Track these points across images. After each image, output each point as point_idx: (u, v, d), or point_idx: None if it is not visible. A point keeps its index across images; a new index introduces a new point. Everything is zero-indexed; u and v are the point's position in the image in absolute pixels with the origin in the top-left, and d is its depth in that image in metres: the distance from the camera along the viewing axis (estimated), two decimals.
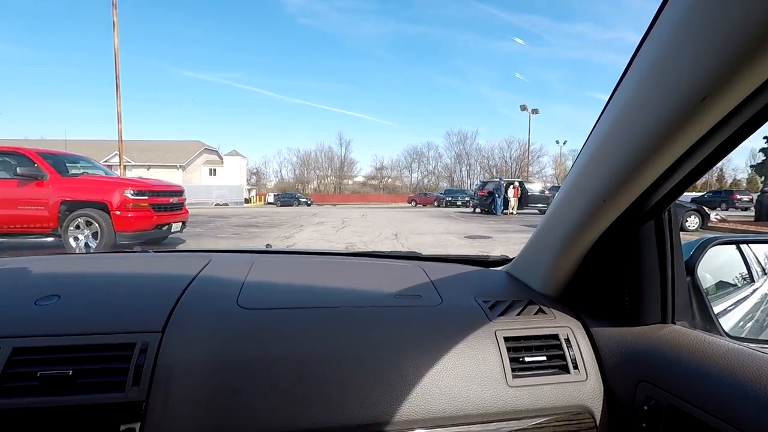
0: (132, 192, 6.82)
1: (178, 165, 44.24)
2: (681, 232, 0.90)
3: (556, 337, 0.89)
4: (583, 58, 78.44)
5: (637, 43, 0.62)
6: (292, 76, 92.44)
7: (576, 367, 0.86)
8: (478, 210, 21.47)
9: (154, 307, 0.84)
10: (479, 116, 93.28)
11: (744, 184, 52.98)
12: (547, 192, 21.13)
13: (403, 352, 0.81)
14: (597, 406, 0.84)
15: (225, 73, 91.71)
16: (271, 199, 43.44)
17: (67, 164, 7.26)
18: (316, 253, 1.46)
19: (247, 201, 46.92)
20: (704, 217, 11.78)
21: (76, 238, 6.64)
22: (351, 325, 0.85)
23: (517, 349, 0.86)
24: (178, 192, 7.82)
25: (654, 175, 0.70)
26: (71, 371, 0.69)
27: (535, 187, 21.72)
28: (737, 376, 0.65)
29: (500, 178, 21.56)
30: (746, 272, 1.20)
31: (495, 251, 7.25)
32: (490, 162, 65.45)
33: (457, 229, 12.13)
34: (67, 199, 6.60)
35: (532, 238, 1.05)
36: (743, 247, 1.20)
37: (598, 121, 0.74)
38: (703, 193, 28.11)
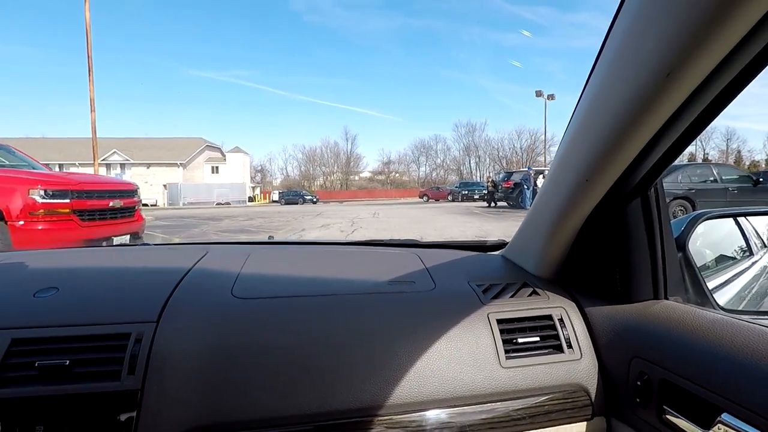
0: (43, 193, 4.75)
1: (178, 162, 42.22)
2: None
3: (549, 317, 0.91)
4: (586, 47, 75.53)
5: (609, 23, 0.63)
6: (298, 73, 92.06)
7: (570, 346, 0.88)
8: (493, 204, 20.28)
9: (149, 298, 0.86)
10: (486, 109, 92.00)
11: (763, 165, 50.17)
12: None
13: (395, 337, 0.82)
14: (592, 384, 0.86)
15: (230, 71, 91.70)
16: (276, 197, 42.12)
17: None
18: (313, 243, 1.45)
19: (251, 199, 44.61)
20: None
21: None
22: (344, 312, 0.86)
23: (511, 330, 0.88)
24: (125, 192, 5.79)
25: (632, 152, 0.71)
26: (68, 361, 0.72)
27: None
28: (727, 347, 0.66)
29: (529, 168, 19.16)
30: (745, 245, 1.20)
31: None
32: (500, 153, 62.67)
33: (493, 229, 10.80)
34: None
35: (525, 221, 1.06)
36: (741, 220, 1.20)
37: (578, 102, 0.75)
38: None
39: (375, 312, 0.87)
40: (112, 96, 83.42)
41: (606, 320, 0.89)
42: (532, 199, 16.28)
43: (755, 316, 0.86)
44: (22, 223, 4.58)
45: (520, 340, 0.87)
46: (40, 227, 4.64)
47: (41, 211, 4.66)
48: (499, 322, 0.88)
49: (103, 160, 45.18)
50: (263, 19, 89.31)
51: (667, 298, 0.88)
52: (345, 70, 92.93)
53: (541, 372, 0.85)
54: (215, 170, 47.05)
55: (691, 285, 0.96)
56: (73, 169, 44.37)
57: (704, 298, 0.96)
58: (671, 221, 0.92)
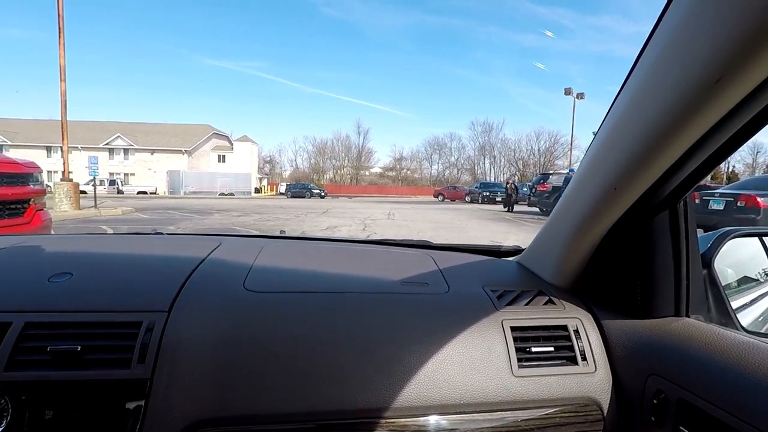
0: None
1: (183, 150, 39.95)
2: None
3: (564, 328, 0.89)
4: (606, 52, 72.65)
5: (651, 28, 0.62)
6: (313, 65, 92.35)
7: (584, 358, 0.87)
8: (509, 209, 18.81)
9: (162, 287, 0.86)
10: (502, 110, 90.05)
11: None
12: None
13: (407, 338, 0.82)
14: (605, 399, 0.85)
15: (245, 61, 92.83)
16: (283, 189, 40.37)
17: None
18: (326, 239, 1.45)
19: (258, 191, 42.21)
20: None
21: None
22: (356, 310, 0.86)
23: (524, 339, 0.87)
24: (12, 177, 3.76)
25: (667, 162, 0.69)
26: (79, 347, 0.72)
27: None
28: (751, 370, 0.64)
29: (571, 169, 16.32)
30: None
31: None
32: (517, 154, 59.74)
33: None
34: None
35: (544, 227, 1.05)
36: (767, 240, 1.16)
37: (611, 107, 0.73)
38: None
39: (387, 312, 0.87)
40: (124, 82, 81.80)
41: (623, 334, 0.88)
42: None
43: None
44: None
45: (534, 350, 0.85)
46: None
47: None
48: (513, 329, 0.87)
49: (106, 144, 43.03)
50: (281, 8, 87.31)
51: (688, 316, 0.86)
52: (359, 64, 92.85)
53: (554, 383, 0.83)
54: (222, 159, 45.18)
55: (714, 304, 0.93)
56: (74, 153, 42.19)
57: (728, 318, 0.93)
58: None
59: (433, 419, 0.78)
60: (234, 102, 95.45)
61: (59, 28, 11.60)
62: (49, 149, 40.77)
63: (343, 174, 64.55)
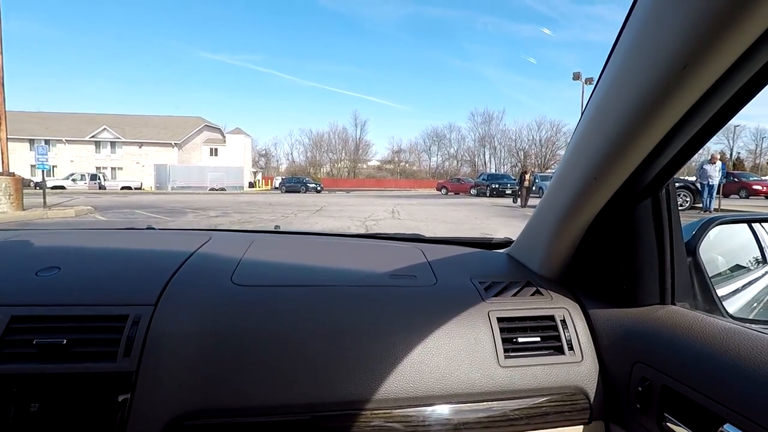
0: None
1: (173, 143, 37.39)
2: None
3: (551, 318, 0.91)
4: (602, 42, 70.28)
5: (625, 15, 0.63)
6: (309, 58, 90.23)
7: (571, 348, 0.88)
8: (521, 203, 16.82)
9: (149, 281, 0.88)
10: (499, 101, 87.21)
11: None
12: None
13: (393, 331, 0.83)
14: (591, 387, 0.86)
15: (241, 55, 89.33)
16: (278, 183, 36.90)
17: None
18: (317, 234, 1.46)
19: (252, 185, 39.78)
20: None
21: None
22: (342, 303, 0.88)
23: (511, 329, 0.88)
24: None
25: (645, 150, 0.70)
26: (65, 340, 0.73)
27: None
28: (733, 356, 0.65)
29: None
30: (759, 253, 1.16)
31: None
32: (518, 144, 57.48)
33: None
34: None
35: (531, 219, 1.07)
36: (756, 226, 1.16)
37: (590, 98, 0.75)
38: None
39: (374, 304, 0.88)
40: (117, 75, 79.08)
41: (609, 323, 0.89)
42: (710, 198, 10.33)
43: (764, 326, 0.85)
44: None
45: (521, 340, 0.87)
46: None
47: None
48: (500, 320, 0.88)
49: (92, 137, 40.41)
50: (277, 1, 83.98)
51: (674, 304, 0.87)
52: (356, 57, 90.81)
53: (541, 373, 0.84)
54: (214, 152, 43.10)
55: (700, 291, 0.95)
56: (59, 146, 39.50)
57: (713, 305, 0.94)
58: (682, 225, 0.92)
59: (421, 410, 0.79)
60: (228, 95, 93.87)
61: None
62: (32, 142, 38.43)
63: (341, 167, 63.72)
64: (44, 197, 12.05)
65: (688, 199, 13.12)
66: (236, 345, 0.77)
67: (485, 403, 0.81)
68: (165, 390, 0.73)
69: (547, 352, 0.87)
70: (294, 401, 0.75)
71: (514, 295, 0.94)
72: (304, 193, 32.28)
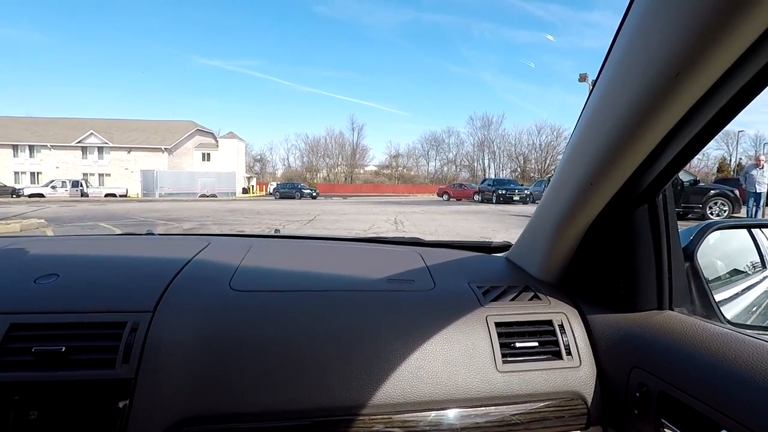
0: None
1: (163, 147, 35.37)
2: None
3: (549, 323, 0.91)
4: (598, 48, 69.91)
5: (619, 22, 0.65)
6: (306, 64, 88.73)
7: (569, 353, 0.88)
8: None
9: (147, 287, 0.88)
10: (496, 106, 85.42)
11: None
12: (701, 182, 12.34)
13: (391, 335, 0.84)
14: (589, 392, 0.86)
15: (238, 60, 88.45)
16: (272, 189, 35.17)
17: None
18: (316, 238, 1.46)
19: (246, 191, 37.87)
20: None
21: None
22: (340, 308, 0.88)
23: (509, 334, 0.88)
24: None
25: (640, 156, 0.71)
26: (64, 347, 0.74)
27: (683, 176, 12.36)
28: (730, 362, 0.66)
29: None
30: (758, 259, 1.16)
31: None
32: (518, 149, 55.98)
33: None
34: None
35: (529, 223, 1.07)
36: (756, 232, 1.16)
37: (586, 104, 0.76)
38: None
39: (371, 310, 0.88)
40: (113, 84, 77.53)
41: (607, 328, 0.89)
42: (756, 208, 8.32)
43: (762, 332, 0.85)
44: None
45: (518, 345, 0.87)
46: None
47: None
48: (498, 325, 0.88)
49: (78, 142, 38.21)
50: (273, 7, 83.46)
51: (672, 309, 0.88)
52: (353, 63, 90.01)
53: (539, 378, 0.85)
54: (206, 157, 41.55)
55: (697, 296, 0.95)
56: (44, 152, 37.51)
57: (711, 310, 0.94)
58: (680, 230, 0.93)
59: (417, 415, 0.79)
60: (224, 101, 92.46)
61: None
62: (15, 148, 36.48)
63: (337, 172, 63.16)
64: None
65: (726, 209, 11.47)
66: (234, 351, 0.78)
67: (484, 408, 0.81)
68: (164, 396, 0.73)
69: (545, 357, 0.87)
70: (293, 407, 0.75)
71: (513, 299, 0.94)
72: (299, 199, 31.12)
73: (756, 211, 10.46)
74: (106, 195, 32.84)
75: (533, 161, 58.43)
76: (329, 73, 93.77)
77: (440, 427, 0.78)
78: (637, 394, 0.76)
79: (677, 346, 0.74)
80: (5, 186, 29.57)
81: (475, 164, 63.49)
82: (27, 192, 28.94)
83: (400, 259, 1.12)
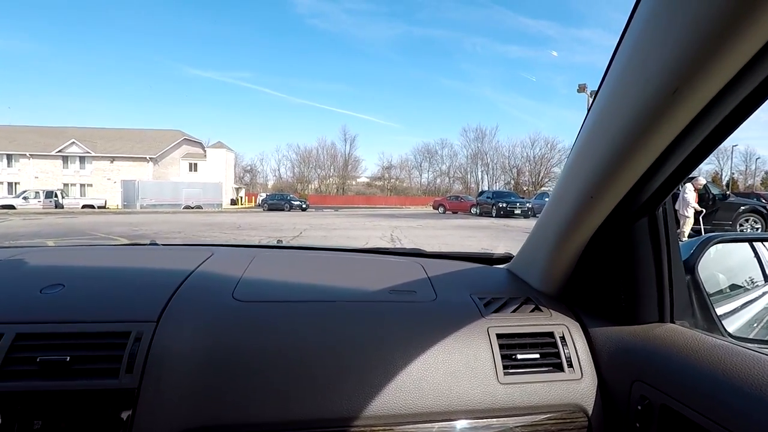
0: None
1: (148, 157, 33.58)
2: None
3: (551, 335, 0.92)
4: (588, 63, 70.90)
5: (618, 38, 0.68)
6: (298, 76, 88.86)
7: (570, 365, 0.89)
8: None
9: (151, 298, 0.89)
10: (489, 119, 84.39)
11: None
12: (732, 196, 12.15)
13: (393, 346, 0.85)
14: (591, 405, 0.87)
15: (231, 72, 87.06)
16: (261, 201, 33.64)
17: None
18: (319, 248, 1.47)
19: (234, 202, 36.08)
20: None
21: None
22: (342, 319, 0.89)
23: (511, 346, 0.89)
24: None
25: (639, 170, 0.73)
26: (68, 357, 0.75)
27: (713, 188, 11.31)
28: (731, 375, 0.67)
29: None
30: (760, 272, 1.15)
31: None
32: (511, 162, 55.05)
33: None
34: None
35: (530, 235, 1.08)
36: (758, 245, 1.15)
37: (586, 118, 0.78)
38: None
39: (373, 321, 0.89)
40: (107, 94, 75.90)
41: (609, 341, 0.90)
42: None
43: (764, 346, 0.86)
44: None
45: (520, 357, 0.88)
46: None
47: None
48: (499, 336, 0.89)
49: (59, 151, 36.14)
50: (266, 20, 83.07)
51: (673, 322, 0.89)
52: (345, 75, 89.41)
53: (540, 390, 0.85)
54: (193, 167, 40.08)
55: (699, 309, 0.95)
56: (23, 161, 35.43)
57: (712, 323, 0.94)
58: (681, 243, 0.94)
59: (418, 427, 0.80)
60: (214, 111, 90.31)
61: None
62: None
63: (329, 183, 62.65)
64: None
65: (758, 227, 10.22)
66: (237, 361, 0.79)
67: (484, 420, 0.82)
68: (167, 406, 0.74)
69: (546, 369, 0.88)
70: (295, 417, 0.76)
71: (514, 311, 0.95)
72: (288, 211, 29.72)
73: None
74: (84, 206, 31.31)
75: (527, 173, 58.47)
76: (322, 85, 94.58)
77: None
78: (639, 408, 0.76)
79: (679, 359, 0.74)
80: None
81: (469, 176, 63.59)
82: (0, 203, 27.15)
83: (402, 271, 1.12)
